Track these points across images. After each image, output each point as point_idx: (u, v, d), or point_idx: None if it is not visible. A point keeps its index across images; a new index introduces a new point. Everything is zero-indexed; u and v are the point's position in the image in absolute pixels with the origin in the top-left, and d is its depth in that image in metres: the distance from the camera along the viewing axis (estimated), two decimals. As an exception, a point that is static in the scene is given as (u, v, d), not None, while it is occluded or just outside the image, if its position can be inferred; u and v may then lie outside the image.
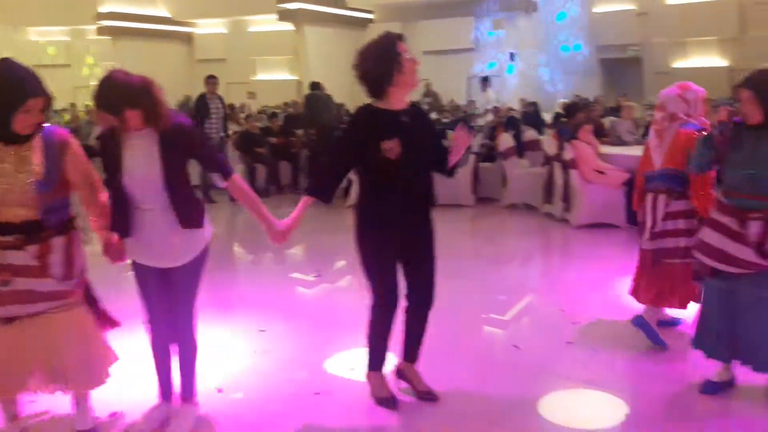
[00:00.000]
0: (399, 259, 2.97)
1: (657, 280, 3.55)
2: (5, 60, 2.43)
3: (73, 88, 19.05)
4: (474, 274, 5.33)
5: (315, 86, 9.91)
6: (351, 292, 4.85)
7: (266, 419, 3.00)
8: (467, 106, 15.67)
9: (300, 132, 9.92)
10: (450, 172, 3.05)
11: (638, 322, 3.55)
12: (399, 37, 2.83)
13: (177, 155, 2.60)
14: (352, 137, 2.90)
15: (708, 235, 2.81)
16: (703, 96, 3.66)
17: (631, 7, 16.94)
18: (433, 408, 3.02)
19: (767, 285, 2.71)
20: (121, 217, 2.63)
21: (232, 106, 13.41)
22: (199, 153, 2.71)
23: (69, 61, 21.12)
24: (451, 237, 6.52)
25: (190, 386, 2.90)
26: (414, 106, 2.99)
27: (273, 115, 10.42)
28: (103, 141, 2.64)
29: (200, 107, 8.62)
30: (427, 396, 3.07)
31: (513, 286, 5.03)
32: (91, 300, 2.77)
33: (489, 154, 8.69)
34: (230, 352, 3.75)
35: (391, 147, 2.76)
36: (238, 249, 6.60)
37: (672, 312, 3.84)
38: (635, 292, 3.72)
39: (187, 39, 21.27)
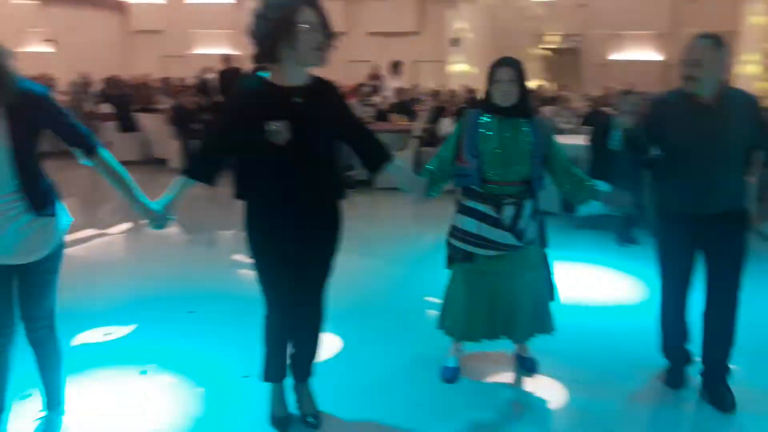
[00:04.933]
0: (293, 263, 2.51)
1: None
2: None
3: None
4: (415, 258, 5.27)
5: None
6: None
7: (191, 402, 2.91)
8: (411, 90, 15.68)
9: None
10: (373, 171, 2.67)
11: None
12: (307, 2, 2.26)
13: (28, 129, 2.20)
14: (230, 113, 2.43)
15: (464, 223, 2.92)
16: None
17: (572, -2, 17.23)
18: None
19: (518, 262, 2.93)
20: None
21: (167, 79, 12.94)
22: (55, 124, 2.27)
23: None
24: (393, 222, 6.37)
25: (57, 393, 2.60)
26: (318, 82, 2.44)
27: (202, 90, 9.61)
28: None
29: None
30: (305, 421, 2.72)
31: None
32: None
33: (430, 138, 8.67)
34: (157, 334, 3.63)
35: (279, 130, 2.29)
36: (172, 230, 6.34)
37: None
38: None
39: (121, 8, 20.34)
